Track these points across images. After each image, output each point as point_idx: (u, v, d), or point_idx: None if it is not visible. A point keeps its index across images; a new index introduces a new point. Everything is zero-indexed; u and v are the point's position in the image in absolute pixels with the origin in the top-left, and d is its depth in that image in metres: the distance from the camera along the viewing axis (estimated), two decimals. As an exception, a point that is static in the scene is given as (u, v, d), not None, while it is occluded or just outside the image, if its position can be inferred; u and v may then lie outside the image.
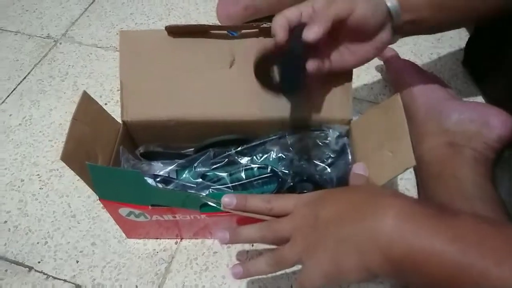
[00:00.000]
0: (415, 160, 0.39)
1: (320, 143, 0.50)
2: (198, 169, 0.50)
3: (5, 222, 0.57)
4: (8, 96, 0.72)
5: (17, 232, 0.55)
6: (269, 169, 0.49)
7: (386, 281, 0.49)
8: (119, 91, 0.51)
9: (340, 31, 0.45)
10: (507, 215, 0.47)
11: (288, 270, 0.50)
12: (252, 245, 0.52)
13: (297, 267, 0.47)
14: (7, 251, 0.54)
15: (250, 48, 0.47)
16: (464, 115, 0.54)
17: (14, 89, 0.73)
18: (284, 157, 0.50)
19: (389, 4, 0.44)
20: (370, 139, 0.46)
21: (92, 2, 0.88)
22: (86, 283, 0.50)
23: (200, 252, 0.52)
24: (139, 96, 0.50)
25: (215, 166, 0.50)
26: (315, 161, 0.49)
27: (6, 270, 0.52)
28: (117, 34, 0.79)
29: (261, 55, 0.45)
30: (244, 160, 0.51)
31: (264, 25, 0.47)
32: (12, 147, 0.65)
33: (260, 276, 0.49)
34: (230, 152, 0.51)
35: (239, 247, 0.52)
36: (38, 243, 0.54)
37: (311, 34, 0.41)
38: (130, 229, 0.52)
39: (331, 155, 0.50)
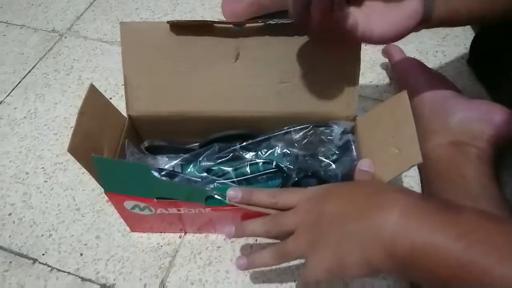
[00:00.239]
0: None
1: (325, 139, 0.50)
2: (203, 164, 0.50)
3: (10, 214, 0.57)
4: (13, 89, 0.72)
5: (21, 224, 0.56)
6: (274, 164, 0.49)
7: (389, 277, 0.49)
8: (124, 86, 0.51)
9: None
10: (511, 213, 0.47)
11: (291, 265, 0.50)
12: (256, 240, 0.52)
13: (300, 261, 0.47)
14: (11, 243, 0.54)
15: (255, 43, 0.47)
16: (469, 113, 0.54)
17: (19, 82, 0.73)
18: (289, 152, 0.50)
19: None
20: (376, 136, 0.46)
21: (97, -3, 0.88)
22: (90, 275, 0.51)
23: (204, 247, 0.52)
24: (144, 90, 0.50)
25: (220, 160, 0.50)
26: (320, 157, 0.49)
27: (10, 262, 0.52)
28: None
29: None
30: (249, 155, 0.51)
31: (270, 22, 0.47)
32: (17, 140, 0.65)
33: (263, 271, 0.50)
34: (235, 147, 0.51)
35: (242, 241, 0.52)
36: (42, 235, 0.54)
37: None
38: (135, 223, 0.52)
39: (336, 151, 0.50)
